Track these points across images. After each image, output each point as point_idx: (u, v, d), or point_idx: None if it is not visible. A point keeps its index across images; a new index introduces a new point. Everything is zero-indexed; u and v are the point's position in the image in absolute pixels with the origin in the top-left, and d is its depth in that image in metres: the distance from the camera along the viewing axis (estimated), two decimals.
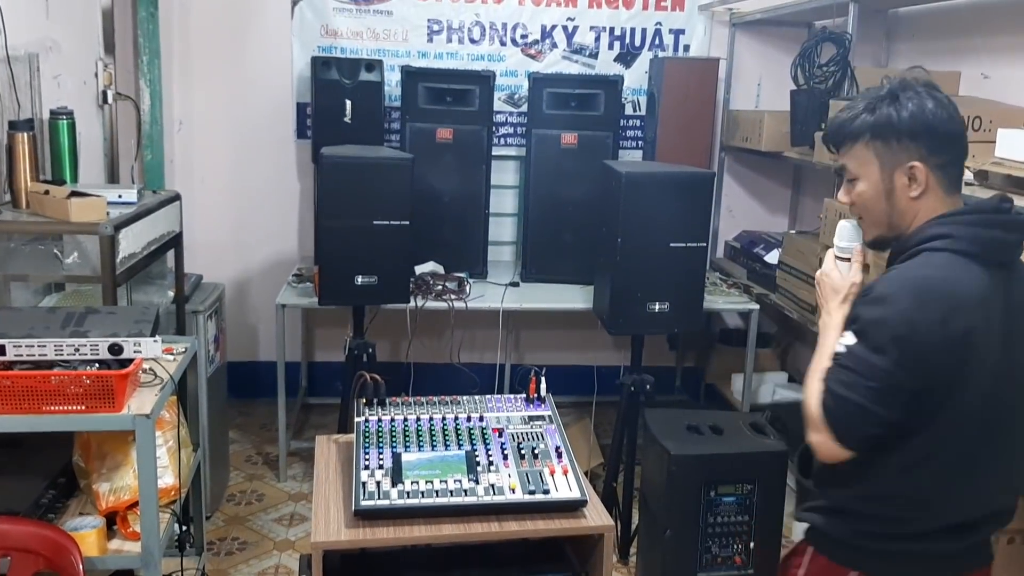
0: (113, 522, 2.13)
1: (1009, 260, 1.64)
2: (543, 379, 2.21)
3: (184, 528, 2.50)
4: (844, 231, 1.79)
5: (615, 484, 3.57)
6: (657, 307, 3.29)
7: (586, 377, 4.65)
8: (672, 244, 3.23)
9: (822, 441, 1.62)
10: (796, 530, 3.75)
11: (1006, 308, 1.60)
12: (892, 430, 1.58)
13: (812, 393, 1.64)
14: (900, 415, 1.57)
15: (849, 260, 1.78)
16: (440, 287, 3.98)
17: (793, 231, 4.24)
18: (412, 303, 3.80)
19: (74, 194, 2.53)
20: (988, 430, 1.63)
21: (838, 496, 1.72)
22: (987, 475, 1.65)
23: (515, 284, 4.23)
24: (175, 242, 3.08)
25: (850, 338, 1.60)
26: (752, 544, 2.87)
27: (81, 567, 1.84)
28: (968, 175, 2.75)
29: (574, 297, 4.05)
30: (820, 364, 1.66)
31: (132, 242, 2.60)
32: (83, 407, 1.94)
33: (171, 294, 3.20)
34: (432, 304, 3.88)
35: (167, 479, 2.23)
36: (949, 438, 1.61)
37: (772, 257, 4.31)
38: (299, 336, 4.85)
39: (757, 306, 4.07)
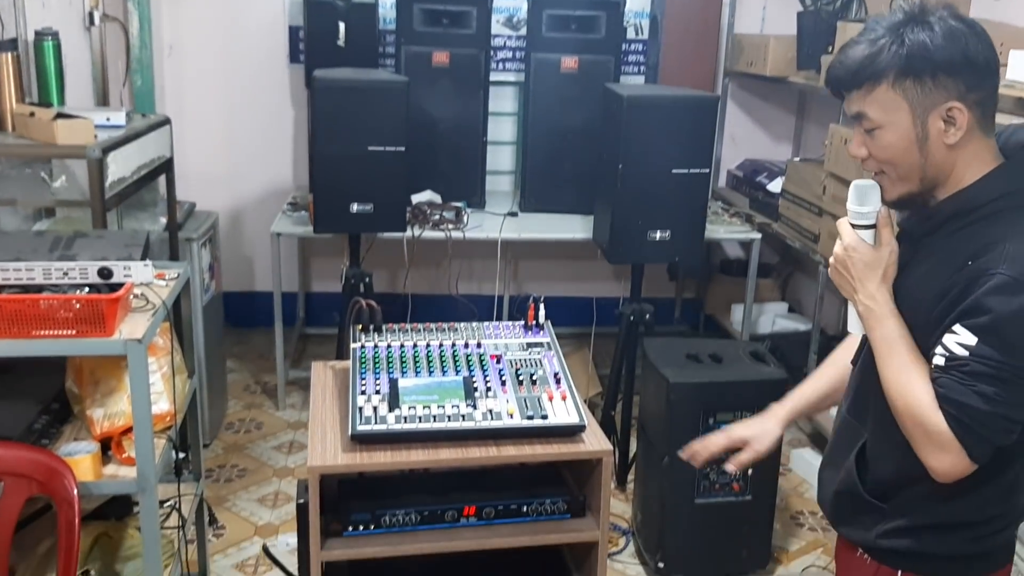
0: (108, 448, 2.11)
1: None
2: (542, 306, 2.17)
3: (181, 455, 2.50)
4: (862, 193, 1.47)
5: (613, 413, 3.56)
6: (658, 235, 3.24)
7: (585, 308, 4.62)
8: (674, 171, 3.17)
9: (953, 462, 1.34)
10: (794, 459, 3.77)
11: None
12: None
13: (923, 406, 1.36)
14: None
15: (872, 227, 1.46)
16: (437, 217, 3.93)
17: (797, 159, 4.17)
18: (409, 232, 3.75)
19: (60, 116, 2.46)
20: None
21: (935, 511, 1.48)
22: None
23: (513, 214, 4.17)
24: (166, 167, 3.02)
25: (968, 337, 1.32)
26: (750, 472, 2.87)
27: (75, 492, 1.83)
28: None
29: (573, 227, 4.00)
30: (902, 364, 1.40)
31: (121, 166, 2.54)
32: (73, 332, 1.91)
33: (163, 221, 3.15)
34: (429, 234, 3.83)
35: (162, 405, 2.20)
36: None
37: (775, 186, 4.25)
38: (296, 266, 4.81)
39: (759, 235, 4.02)
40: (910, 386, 1.37)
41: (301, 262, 4.86)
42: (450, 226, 3.88)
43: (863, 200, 1.47)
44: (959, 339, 1.33)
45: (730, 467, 1.85)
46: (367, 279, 3.58)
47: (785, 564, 3.14)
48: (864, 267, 1.45)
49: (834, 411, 1.82)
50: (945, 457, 1.34)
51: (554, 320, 2.14)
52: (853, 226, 1.48)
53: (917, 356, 1.40)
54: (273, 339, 3.96)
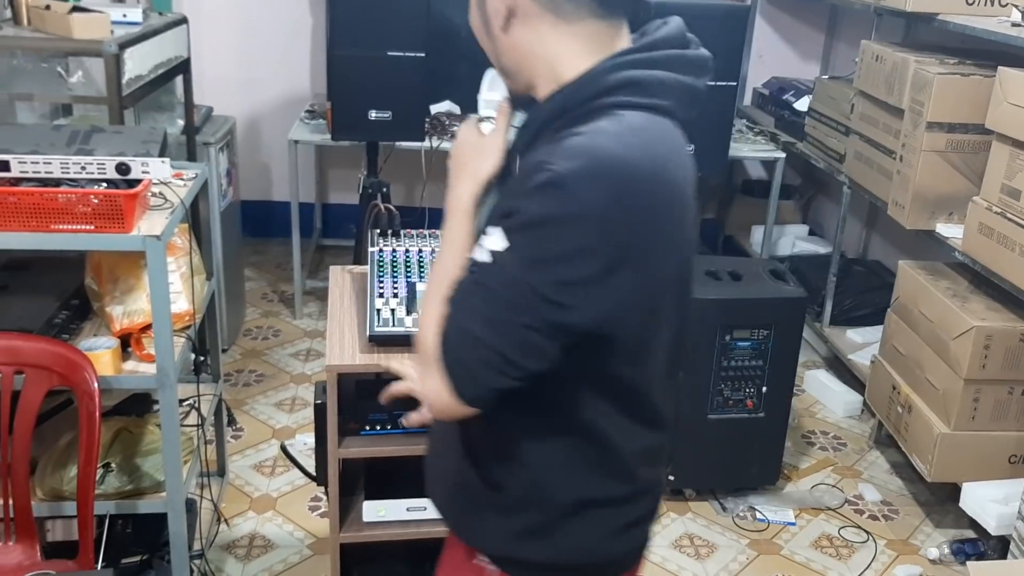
0: (127, 344, 2.13)
1: (692, 115, 1.15)
2: None
3: (200, 357, 2.52)
4: (493, 79, 1.24)
5: None
6: None
7: None
8: None
9: (439, 391, 1.07)
10: (807, 380, 3.78)
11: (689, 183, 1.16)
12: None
13: (427, 314, 1.10)
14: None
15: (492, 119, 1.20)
16: (456, 127, 3.86)
17: (826, 77, 4.06)
18: (427, 143, 3.70)
19: (76, 10, 2.41)
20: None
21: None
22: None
23: None
24: (183, 68, 2.97)
25: (498, 240, 1.04)
26: (764, 389, 2.88)
27: (96, 384, 1.85)
28: None
29: None
30: (444, 270, 1.12)
31: (138, 63, 2.49)
32: (92, 227, 1.90)
33: (181, 123, 3.11)
34: (448, 145, 3.78)
35: (181, 304, 2.21)
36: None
37: (802, 104, 4.16)
38: (313, 177, 4.78)
39: (783, 154, 3.95)
40: (435, 292, 1.11)
41: (318, 172, 4.83)
42: None
43: (492, 87, 1.26)
44: (490, 242, 1.05)
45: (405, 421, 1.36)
46: (384, 189, 3.54)
47: (795, 481, 3.17)
48: (462, 160, 1.20)
49: None
50: (432, 383, 1.07)
51: None
52: (479, 119, 1.23)
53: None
54: (290, 249, 3.95)
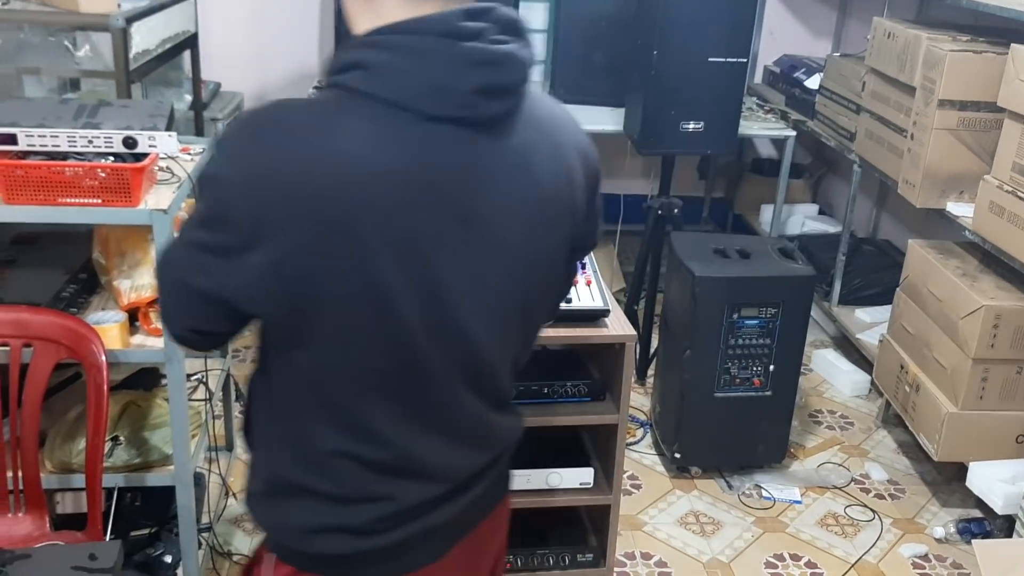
0: (135, 318, 2.13)
1: (481, 116, 1.02)
2: None
3: None
4: None
5: (636, 308, 3.56)
6: (691, 126, 3.16)
7: (612, 205, 4.56)
8: (711, 59, 3.07)
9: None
10: (815, 359, 3.77)
11: (460, 186, 1.04)
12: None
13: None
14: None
15: None
16: None
17: (837, 54, 4.03)
18: None
19: None
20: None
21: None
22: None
23: None
24: (191, 43, 2.96)
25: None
26: (772, 367, 2.88)
27: (103, 357, 1.85)
28: None
29: (604, 119, 3.91)
30: None
31: (146, 37, 2.49)
32: (99, 200, 1.90)
33: (188, 99, 3.11)
34: None
35: None
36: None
37: (813, 82, 4.13)
38: None
39: (793, 132, 3.92)
40: None
41: None
42: None
43: None
44: None
45: None
46: None
47: (801, 460, 3.17)
48: None
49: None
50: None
51: None
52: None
53: None
54: None
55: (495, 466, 1.26)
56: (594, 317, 1.88)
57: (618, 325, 1.88)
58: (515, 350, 1.22)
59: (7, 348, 1.90)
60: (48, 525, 1.96)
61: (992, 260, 2.90)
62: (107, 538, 1.94)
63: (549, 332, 1.84)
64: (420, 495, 1.16)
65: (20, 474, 1.94)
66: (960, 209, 3.03)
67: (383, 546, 1.15)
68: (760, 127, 3.98)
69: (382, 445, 1.11)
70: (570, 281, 1.42)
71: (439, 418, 1.14)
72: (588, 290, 1.89)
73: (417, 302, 1.04)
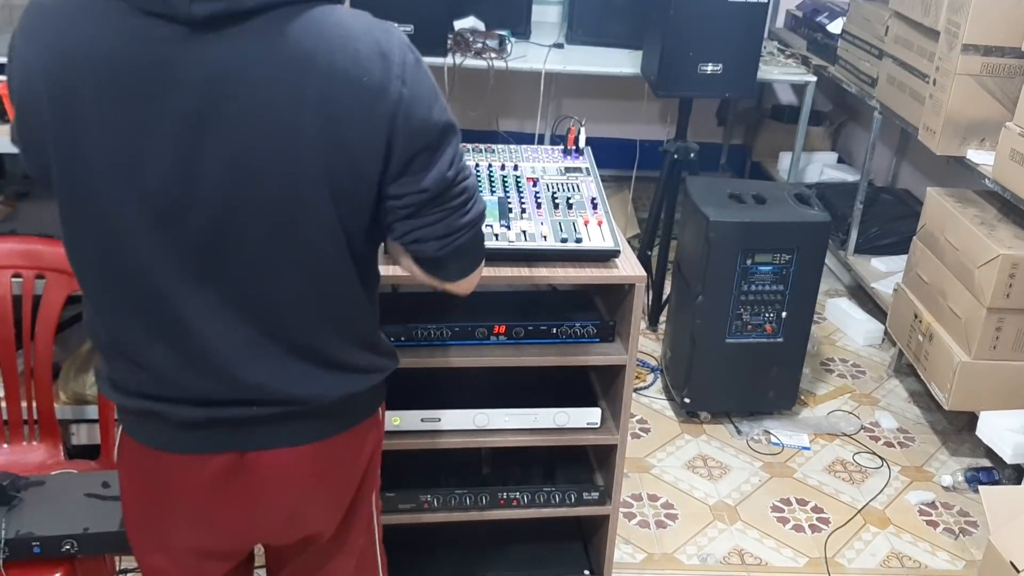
0: None
1: (182, 15, 1.05)
2: (583, 130, 2.11)
3: None
4: None
5: (649, 253, 3.54)
6: (709, 68, 3.11)
7: (628, 150, 4.53)
8: None
9: None
10: (829, 308, 3.75)
11: (154, 81, 1.07)
12: None
13: None
14: None
15: None
16: (480, 45, 3.79)
17: None
18: (449, 59, 3.64)
19: None
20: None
21: None
22: None
23: (559, 45, 4.02)
24: None
25: None
26: (784, 314, 2.87)
27: None
28: None
29: (621, 61, 3.85)
30: None
31: None
32: None
33: None
34: (471, 62, 3.72)
35: None
36: None
37: (835, 26, 4.05)
38: None
39: (814, 78, 3.85)
40: None
41: None
42: (493, 55, 3.75)
43: None
44: None
45: None
46: None
47: (811, 407, 3.17)
48: None
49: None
50: None
51: (596, 161, 2.08)
52: None
53: None
54: None
55: (263, 408, 1.23)
56: (604, 257, 1.86)
57: (628, 266, 1.87)
58: (301, 290, 1.18)
59: (20, 279, 1.91)
60: (62, 454, 2.00)
61: (1011, 209, 2.86)
62: None
63: (559, 272, 1.83)
64: (142, 385, 1.22)
65: (34, 404, 1.96)
66: (980, 157, 2.98)
67: (128, 407, 1.26)
68: (780, 72, 3.91)
69: (100, 326, 1.23)
70: (413, 238, 1.24)
71: (161, 324, 1.18)
72: (599, 230, 1.87)
73: (116, 193, 1.11)
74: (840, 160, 4.67)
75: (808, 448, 2.96)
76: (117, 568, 1.96)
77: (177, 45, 1.07)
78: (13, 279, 1.92)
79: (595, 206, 1.94)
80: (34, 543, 1.65)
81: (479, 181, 1.97)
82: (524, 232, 1.85)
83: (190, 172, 1.10)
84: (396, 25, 1.17)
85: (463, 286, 1.34)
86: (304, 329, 1.22)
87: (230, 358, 1.19)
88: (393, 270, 1.78)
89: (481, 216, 1.27)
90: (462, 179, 1.21)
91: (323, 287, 1.21)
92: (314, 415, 1.27)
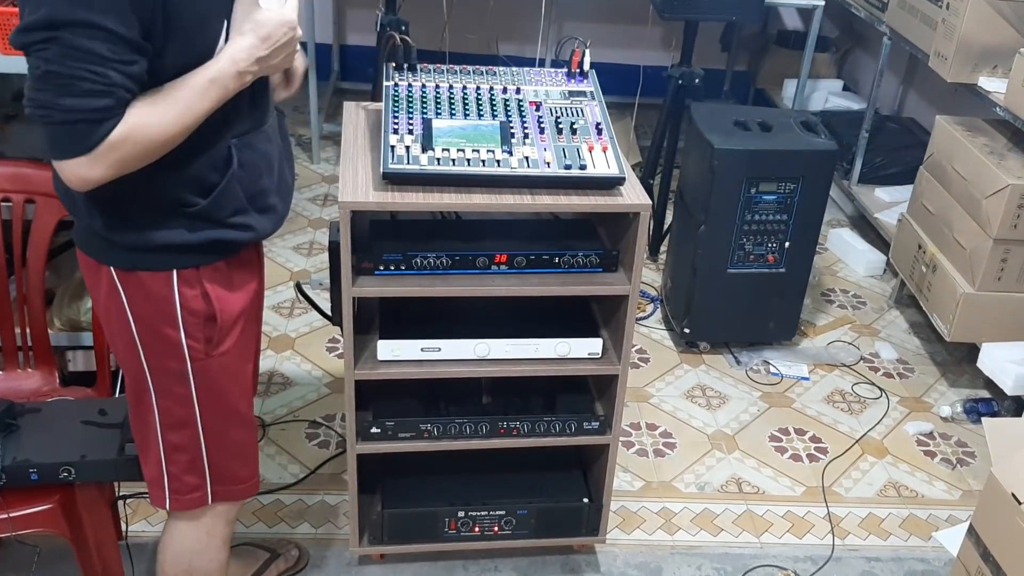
0: None
1: None
2: (587, 52, 2.04)
3: None
4: None
5: (651, 182, 3.49)
6: None
7: (631, 76, 4.43)
8: None
9: None
10: (831, 238, 3.72)
11: None
12: None
13: None
14: None
15: None
16: None
17: None
18: None
19: None
20: None
21: None
22: None
23: None
24: None
25: None
26: (787, 244, 2.83)
27: None
28: None
29: None
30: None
31: None
32: None
33: None
34: None
35: None
36: None
37: None
38: (330, 16, 4.61)
39: (822, 2, 3.74)
40: None
41: (336, 11, 4.66)
42: None
43: None
44: None
45: None
46: (403, 28, 3.40)
47: (811, 337, 3.16)
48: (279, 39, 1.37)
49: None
50: None
51: (599, 86, 2.01)
52: None
53: None
54: (307, 92, 3.85)
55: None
56: (609, 185, 1.82)
57: (633, 194, 1.82)
58: None
59: (9, 204, 1.87)
60: (57, 381, 1.98)
61: (1022, 138, 2.80)
62: (115, 395, 1.95)
63: (562, 200, 1.79)
64: None
65: (28, 331, 1.94)
66: (992, 84, 2.91)
67: None
68: None
69: None
70: None
71: None
72: (604, 156, 1.82)
73: None
74: (845, 87, 4.58)
75: (807, 379, 2.96)
76: (116, 495, 1.96)
77: None
78: (2, 204, 1.87)
79: (600, 131, 1.89)
80: (31, 470, 1.64)
81: (479, 104, 1.91)
82: (527, 158, 1.80)
83: None
84: None
85: (60, 170, 1.28)
86: None
87: None
88: (398, 197, 1.74)
89: (58, 109, 1.21)
90: (33, 51, 1.20)
91: None
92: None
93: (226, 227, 1.47)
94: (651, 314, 3.23)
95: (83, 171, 1.26)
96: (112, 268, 1.44)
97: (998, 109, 2.80)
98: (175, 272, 1.45)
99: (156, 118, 1.28)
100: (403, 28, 3.40)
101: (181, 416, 1.55)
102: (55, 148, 1.26)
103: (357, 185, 1.77)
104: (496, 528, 2.11)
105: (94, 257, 1.46)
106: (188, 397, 1.54)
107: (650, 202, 1.84)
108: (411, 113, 1.87)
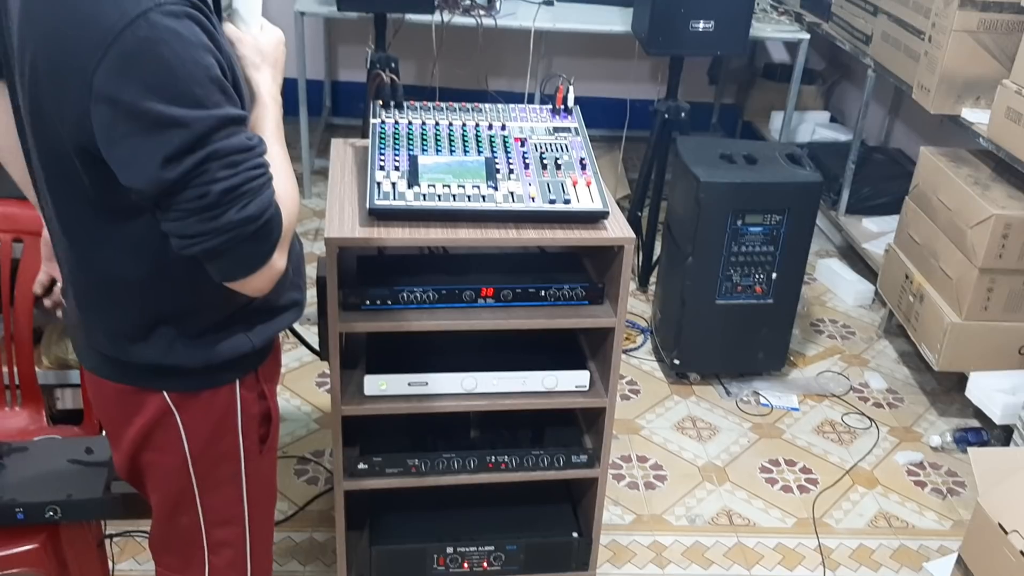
0: None
1: None
2: (571, 88, 2.07)
3: None
4: None
5: (640, 214, 3.51)
6: (701, 26, 3.06)
7: (618, 109, 4.47)
8: None
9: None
10: (819, 268, 3.74)
11: None
12: None
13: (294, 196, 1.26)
14: None
15: None
16: (468, 2, 3.73)
17: None
18: (437, 17, 3.58)
19: None
20: None
21: None
22: None
23: (549, 3, 3.96)
24: None
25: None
26: (775, 275, 2.85)
27: None
28: None
29: (612, 19, 3.80)
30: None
31: None
32: None
33: None
34: (459, 20, 3.66)
35: None
36: None
37: None
38: (322, 53, 4.66)
39: (807, 35, 3.80)
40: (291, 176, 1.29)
41: (328, 48, 4.70)
42: (481, 13, 3.69)
43: None
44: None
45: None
46: (393, 64, 3.44)
47: (801, 368, 3.17)
48: (280, 56, 1.36)
49: None
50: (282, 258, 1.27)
51: (586, 121, 2.04)
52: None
53: None
54: (298, 127, 3.88)
55: (85, 330, 1.34)
56: (593, 219, 1.83)
57: (617, 227, 1.84)
58: (55, 227, 1.27)
59: None
60: (45, 419, 1.98)
61: (1005, 169, 2.83)
62: (102, 433, 1.95)
63: (547, 234, 1.80)
64: None
65: (16, 369, 1.94)
66: (975, 115, 2.95)
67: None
68: (773, 29, 3.86)
69: None
70: (101, 195, 1.17)
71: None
72: (588, 191, 1.84)
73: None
74: (832, 119, 4.63)
75: (797, 409, 2.96)
76: (103, 533, 1.95)
77: None
78: None
79: (584, 167, 1.91)
80: (17, 509, 1.63)
81: (465, 140, 1.93)
82: (512, 193, 1.82)
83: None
84: (162, 3, 1.05)
85: (242, 286, 1.21)
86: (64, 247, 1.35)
87: (71, 272, 1.37)
88: (384, 233, 1.75)
89: (247, 221, 1.13)
90: (194, 183, 1.09)
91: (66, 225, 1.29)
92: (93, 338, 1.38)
93: (279, 312, 1.40)
94: (641, 345, 3.24)
95: (279, 265, 1.20)
96: (166, 393, 1.33)
97: (982, 140, 2.83)
98: (238, 381, 1.37)
99: (279, 183, 1.20)
100: (393, 65, 3.44)
101: (228, 515, 1.46)
102: (250, 261, 1.16)
103: (344, 221, 1.78)
104: (485, 564, 2.10)
105: (139, 385, 1.33)
106: (239, 497, 1.45)
107: (634, 235, 1.85)
108: (397, 150, 1.89)
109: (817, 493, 2.61)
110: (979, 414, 2.83)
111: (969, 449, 2.27)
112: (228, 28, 1.29)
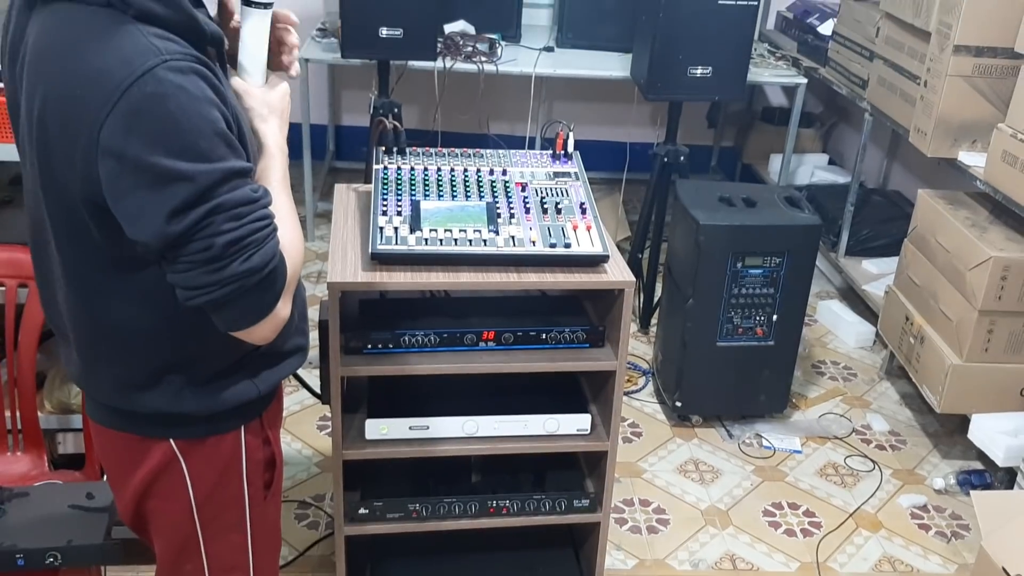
0: None
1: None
2: (571, 134, 2.10)
3: None
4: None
5: (640, 256, 3.53)
6: (699, 71, 3.10)
7: (618, 153, 4.52)
8: (720, 1, 3.00)
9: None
10: (820, 310, 3.75)
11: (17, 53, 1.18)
12: None
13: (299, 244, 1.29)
14: None
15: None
16: (470, 48, 3.79)
17: None
18: (440, 63, 3.63)
19: None
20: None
21: None
22: None
23: (550, 49, 4.01)
24: None
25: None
26: (775, 317, 2.86)
27: None
28: None
29: (611, 65, 3.85)
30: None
31: None
32: None
33: None
34: (461, 66, 3.71)
35: None
36: None
37: (826, 28, 4.05)
38: (326, 98, 4.72)
39: (804, 80, 3.85)
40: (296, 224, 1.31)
41: (332, 93, 4.77)
42: (483, 59, 3.74)
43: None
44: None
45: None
46: (396, 110, 3.49)
47: (803, 410, 3.17)
48: (285, 106, 1.37)
49: None
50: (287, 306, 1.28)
51: (586, 164, 2.07)
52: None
53: None
54: (302, 171, 3.92)
55: (88, 380, 1.35)
56: (593, 262, 1.85)
57: (617, 271, 1.85)
58: (58, 277, 1.28)
59: (3, 288, 1.89)
60: (47, 464, 1.98)
61: (1002, 211, 2.85)
62: (104, 478, 1.95)
63: (547, 277, 1.82)
64: None
65: (18, 414, 1.94)
66: (972, 159, 2.98)
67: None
68: (771, 74, 3.91)
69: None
70: (106, 243, 1.19)
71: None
72: (588, 235, 1.86)
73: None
74: (831, 162, 4.67)
75: (800, 451, 2.95)
76: None
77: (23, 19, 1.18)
78: None
79: (584, 211, 1.93)
80: (17, 555, 1.63)
81: (466, 185, 1.95)
82: (513, 237, 1.83)
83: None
84: (168, 59, 1.07)
85: (247, 335, 1.23)
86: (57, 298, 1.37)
87: (68, 317, 1.36)
88: (386, 277, 1.77)
89: (251, 272, 1.15)
90: (199, 235, 1.11)
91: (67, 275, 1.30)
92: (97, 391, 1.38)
93: (284, 358, 1.40)
94: (643, 387, 3.24)
95: (283, 313, 1.22)
96: (172, 440, 1.33)
97: (979, 183, 2.86)
98: (243, 427, 1.38)
99: (284, 233, 1.22)
100: (396, 110, 3.49)
101: (233, 562, 1.45)
102: (254, 311, 1.19)
103: (346, 265, 1.80)
104: None
105: (145, 434, 1.33)
106: (244, 544, 1.45)
107: (634, 279, 1.86)
108: (400, 195, 1.91)
109: (821, 537, 2.59)
110: (982, 456, 2.82)
111: (972, 492, 2.26)
112: (235, 82, 1.32)
